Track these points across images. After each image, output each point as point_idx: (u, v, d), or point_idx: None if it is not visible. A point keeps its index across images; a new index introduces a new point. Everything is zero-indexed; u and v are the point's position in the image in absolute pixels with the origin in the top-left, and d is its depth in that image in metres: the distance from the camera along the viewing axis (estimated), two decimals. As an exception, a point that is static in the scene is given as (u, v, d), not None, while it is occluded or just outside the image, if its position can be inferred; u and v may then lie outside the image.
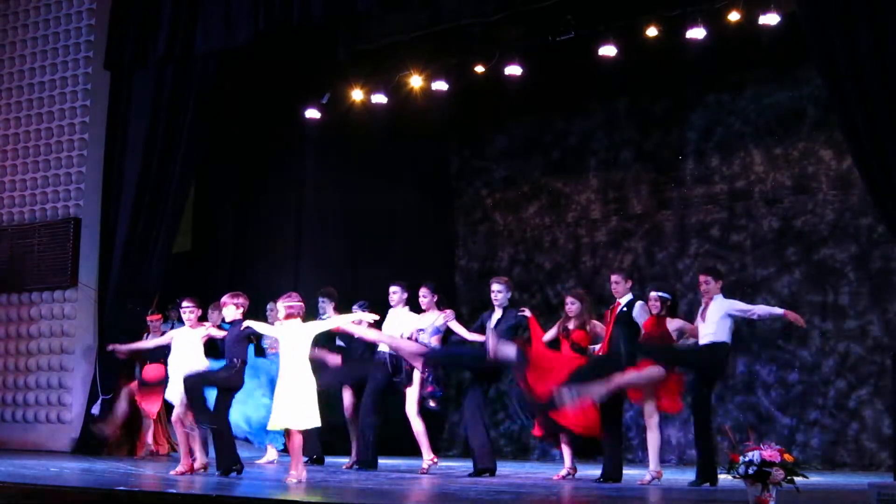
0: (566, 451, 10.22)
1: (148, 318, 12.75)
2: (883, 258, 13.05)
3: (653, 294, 9.84)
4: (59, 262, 13.98)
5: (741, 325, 13.64)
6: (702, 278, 9.73)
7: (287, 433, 8.94)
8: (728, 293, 13.44)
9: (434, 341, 10.57)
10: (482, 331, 10.34)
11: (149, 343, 12.19)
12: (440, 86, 13.84)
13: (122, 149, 14.03)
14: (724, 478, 7.22)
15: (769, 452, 6.87)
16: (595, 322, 10.20)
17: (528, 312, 10.33)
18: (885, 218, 10.54)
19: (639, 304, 9.82)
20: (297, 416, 8.74)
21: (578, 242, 15.34)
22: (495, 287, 10.43)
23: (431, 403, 10.50)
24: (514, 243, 15.86)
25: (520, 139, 16.08)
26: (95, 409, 13.13)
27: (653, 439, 9.71)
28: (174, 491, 8.03)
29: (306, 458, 11.46)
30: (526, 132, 16.00)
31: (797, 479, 6.91)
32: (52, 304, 14.07)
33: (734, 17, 12.01)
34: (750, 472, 6.86)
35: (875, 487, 7.15)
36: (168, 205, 13.71)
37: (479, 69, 13.61)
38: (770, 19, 11.76)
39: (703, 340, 9.54)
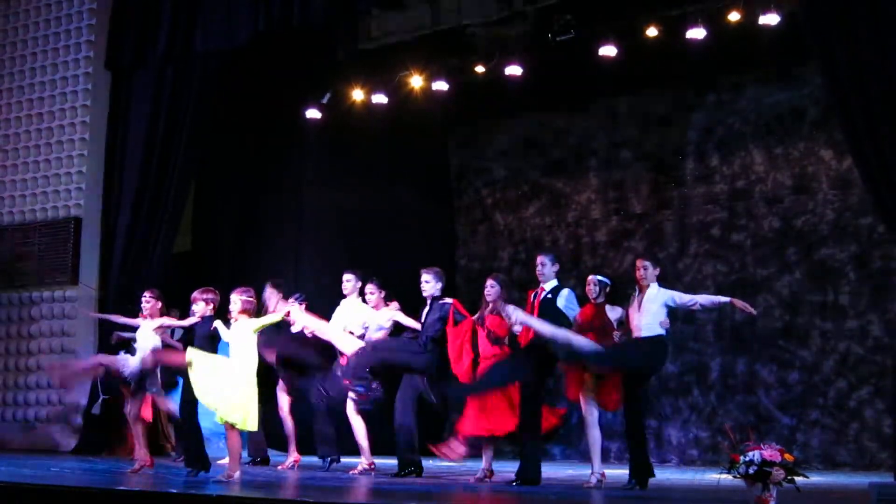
0: (486, 453, 9.73)
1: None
2: (883, 258, 13.04)
3: (591, 278, 9.25)
4: (60, 262, 14.01)
5: (741, 327, 13.68)
6: (640, 263, 9.11)
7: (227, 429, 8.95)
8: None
9: (381, 335, 10.37)
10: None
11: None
12: (441, 86, 13.84)
13: (123, 149, 14.07)
14: (724, 477, 7.21)
15: (769, 452, 6.87)
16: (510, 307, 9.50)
17: (449, 300, 9.99)
18: (885, 218, 10.55)
19: (566, 291, 9.26)
20: (244, 415, 8.77)
21: (579, 242, 15.33)
22: (424, 277, 10.07)
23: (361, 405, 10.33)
24: (515, 243, 15.86)
25: (520, 139, 16.08)
26: (96, 409, 13.12)
27: (593, 437, 9.16)
28: (175, 491, 8.03)
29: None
30: (526, 132, 16.00)
31: (797, 478, 6.91)
32: (53, 304, 14.09)
33: (734, 17, 12.02)
34: (750, 471, 6.86)
35: (875, 487, 7.16)
36: (168, 204, 13.74)
37: (480, 69, 13.61)
38: (770, 19, 11.76)
39: (638, 332, 8.94)
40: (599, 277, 9.23)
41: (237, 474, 8.87)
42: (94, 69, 14.29)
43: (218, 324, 9.22)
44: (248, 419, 8.82)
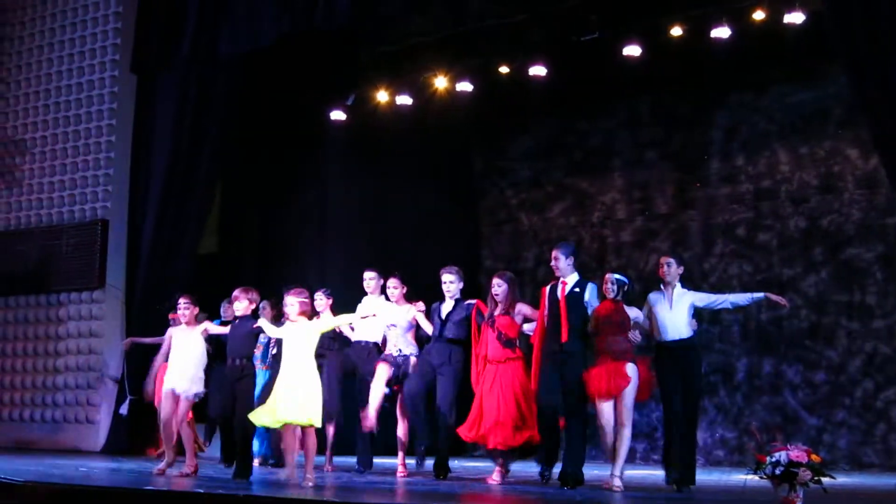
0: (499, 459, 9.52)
1: (170, 317, 12.69)
2: (910, 257, 12.99)
3: (609, 276, 9.04)
4: (87, 264, 14.08)
5: (767, 327, 13.65)
6: (663, 260, 9.09)
7: (288, 432, 8.87)
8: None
9: (409, 336, 10.27)
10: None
11: (146, 339, 12.23)
12: (465, 86, 13.86)
13: (149, 151, 14.13)
14: (750, 478, 7.19)
15: (796, 453, 6.86)
16: (521, 305, 9.45)
17: (472, 301, 9.83)
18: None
19: (592, 286, 9.13)
20: (314, 413, 8.70)
21: (603, 242, 15.32)
22: (447, 278, 9.94)
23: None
24: (539, 243, 15.83)
25: (544, 139, 16.07)
26: (123, 410, 13.20)
27: (627, 438, 8.89)
28: (202, 490, 8.06)
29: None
30: (550, 132, 15.99)
31: (824, 479, 6.90)
32: (80, 306, 14.18)
33: (759, 16, 11.99)
34: (777, 472, 6.85)
35: (903, 488, 7.12)
36: (194, 206, 13.80)
37: (504, 70, 13.63)
38: (795, 18, 11.73)
39: (674, 333, 8.89)
40: (617, 276, 9.04)
41: (294, 473, 8.77)
42: (119, 72, 14.37)
43: (262, 322, 9.20)
44: (316, 417, 8.73)
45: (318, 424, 8.79)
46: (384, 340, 10.60)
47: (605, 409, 8.86)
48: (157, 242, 13.80)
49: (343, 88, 14.42)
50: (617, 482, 8.81)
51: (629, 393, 8.82)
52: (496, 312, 9.44)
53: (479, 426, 9.41)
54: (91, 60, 14.58)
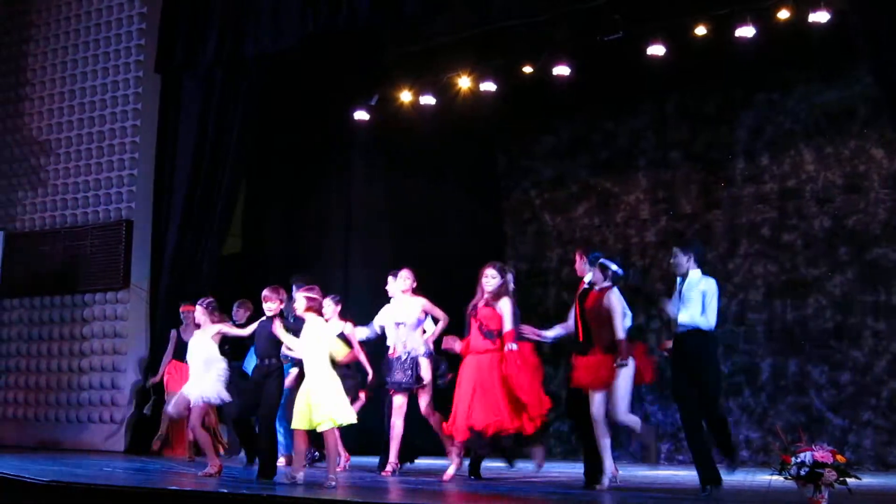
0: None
1: (181, 309, 12.64)
2: (936, 257, 12.90)
3: (602, 261, 8.76)
4: (112, 264, 14.14)
5: (792, 327, 13.58)
6: (673, 251, 8.65)
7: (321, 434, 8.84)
8: (779, 294, 13.43)
9: (419, 334, 10.20)
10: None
11: (165, 360, 12.44)
12: (488, 86, 13.83)
13: (173, 151, 14.17)
14: (775, 479, 7.16)
15: (821, 453, 6.83)
16: (505, 301, 9.25)
17: None
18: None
19: (614, 289, 8.83)
20: (340, 413, 8.67)
21: (628, 243, 15.26)
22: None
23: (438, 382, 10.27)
24: (563, 244, 15.79)
25: (568, 139, 16.03)
26: (147, 410, 13.26)
27: (605, 437, 8.72)
28: (226, 490, 8.08)
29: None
30: (574, 132, 15.96)
31: (849, 480, 6.86)
32: (105, 306, 14.23)
33: (783, 15, 11.93)
34: (802, 473, 6.82)
35: (929, 489, 7.08)
36: (218, 207, 13.82)
37: (527, 69, 13.59)
38: (820, 17, 11.66)
39: (680, 322, 8.32)
40: (594, 254, 8.78)
41: (336, 474, 8.75)
42: (144, 73, 14.42)
43: (279, 331, 9.18)
44: (347, 413, 8.69)
45: (354, 419, 8.80)
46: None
47: (596, 399, 8.67)
48: (181, 243, 13.86)
49: (366, 89, 14.42)
50: (605, 481, 8.71)
51: (619, 387, 8.60)
52: (480, 303, 9.28)
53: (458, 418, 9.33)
54: (115, 61, 14.63)
